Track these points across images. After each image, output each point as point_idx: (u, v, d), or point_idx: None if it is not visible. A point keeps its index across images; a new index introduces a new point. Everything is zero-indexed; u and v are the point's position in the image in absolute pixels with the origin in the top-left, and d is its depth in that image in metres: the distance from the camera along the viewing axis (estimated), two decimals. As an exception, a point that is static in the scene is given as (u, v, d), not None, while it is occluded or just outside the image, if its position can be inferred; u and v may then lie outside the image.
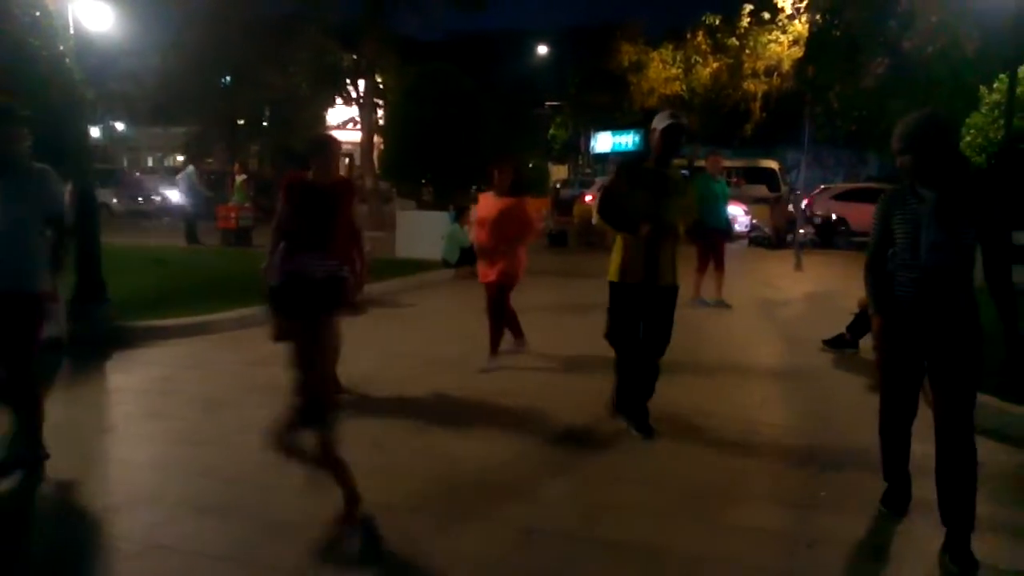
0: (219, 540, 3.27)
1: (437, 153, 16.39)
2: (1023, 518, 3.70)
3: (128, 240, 13.69)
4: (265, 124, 28.59)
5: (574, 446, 4.52)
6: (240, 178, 17.64)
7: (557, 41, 37.91)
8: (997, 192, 3.13)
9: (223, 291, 8.45)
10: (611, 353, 4.75)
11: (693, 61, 29.00)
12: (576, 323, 7.72)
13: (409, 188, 17.11)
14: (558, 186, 29.19)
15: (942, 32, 17.03)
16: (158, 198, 23.56)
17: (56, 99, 6.92)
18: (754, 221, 19.73)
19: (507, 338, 6.37)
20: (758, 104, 27.98)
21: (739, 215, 19.13)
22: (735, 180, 21.81)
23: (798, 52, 23.99)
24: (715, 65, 28.41)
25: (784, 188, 22.80)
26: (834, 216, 19.02)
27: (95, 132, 20.51)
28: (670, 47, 29.63)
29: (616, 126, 32.12)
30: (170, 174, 23.48)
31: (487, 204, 6.19)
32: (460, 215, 12.43)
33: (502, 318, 6.19)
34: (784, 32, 25.71)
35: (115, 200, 23.21)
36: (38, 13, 7.09)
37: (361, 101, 24.09)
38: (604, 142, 33.67)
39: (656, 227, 4.36)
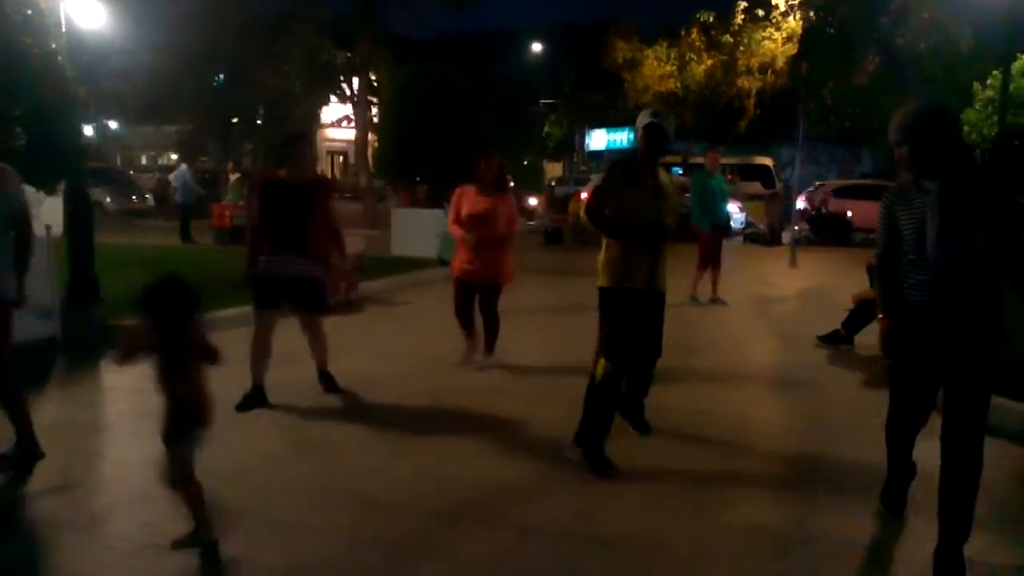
0: (215, 539, 3.24)
1: (431, 151, 16.38)
2: (1021, 516, 3.71)
3: (122, 239, 13.62)
4: (259, 122, 28.51)
5: (570, 445, 4.50)
6: (234, 177, 17.63)
7: (551, 39, 37.94)
8: (1013, 192, 3.00)
9: (216, 290, 8.39)
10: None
11: (687, 58, 29.10)
12: (572, 321, 7.71)
13: (403, 186, 17.11)
14: (553, 184, 29.13)
15: (935, 29, 17.09)
16: (150, 196, 23.49)
17: (48, 97, 6.90)
18: (749, 218, 19.73)
19: (460, 345, 6.20)
20: (752, 101, 28.07)
21: (734, 212, 19.10)
22: (730, 177, 21.71)
23: (792, 49, 24.08)
24: (709, 62, 28.51)
25: (779, 184, 22.81)
26: (849, 213, 18.71)
27: (88, 131, 20.33)
28: (664, 44, 29.74)
29: (611, 123, 32.08)
30: (164, 172, 23.41)
31: (470, 200, 5.92)
32: None
33: (496, 316, 6.04)
34: (778, 29, 25.82)
35: (108, 199, 23.12)
36: (30, 11, 7.07)
37: (355, 99, 24.06)
38: (599, 139, 33.69)
39: (657, 232, 4.18)
